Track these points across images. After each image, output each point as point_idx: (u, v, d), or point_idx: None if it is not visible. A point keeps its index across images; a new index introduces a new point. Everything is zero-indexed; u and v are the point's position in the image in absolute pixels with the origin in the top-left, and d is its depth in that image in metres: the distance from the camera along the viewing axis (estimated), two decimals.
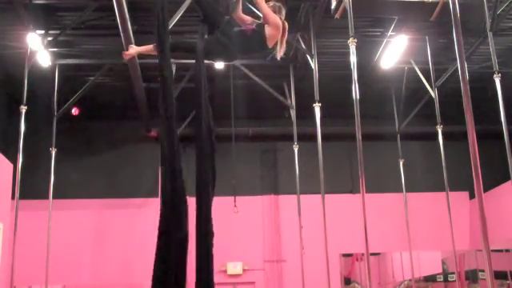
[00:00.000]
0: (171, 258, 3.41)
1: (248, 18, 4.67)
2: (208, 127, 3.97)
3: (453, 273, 11.97)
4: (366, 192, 6.34)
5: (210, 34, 4.34)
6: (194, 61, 4.30)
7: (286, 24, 4.69)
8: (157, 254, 3.45)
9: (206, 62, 4.39)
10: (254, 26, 4.53)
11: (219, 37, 4.32)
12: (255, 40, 4.52)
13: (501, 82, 8.99)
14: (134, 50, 5.00)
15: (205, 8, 4.39)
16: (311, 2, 10.19)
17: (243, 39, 4.47)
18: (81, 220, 13.04)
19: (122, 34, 8.93)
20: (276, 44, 4.65)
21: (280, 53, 4.72)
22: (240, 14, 4.65)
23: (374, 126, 13.00)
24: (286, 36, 4.72)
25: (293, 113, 11.72)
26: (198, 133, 3.95)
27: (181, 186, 3.61)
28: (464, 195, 13.53)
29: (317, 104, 9.63)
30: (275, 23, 4.51)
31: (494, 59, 9.17)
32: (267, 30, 4.51)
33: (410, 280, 12.60)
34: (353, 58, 6.86)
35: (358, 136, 6.51)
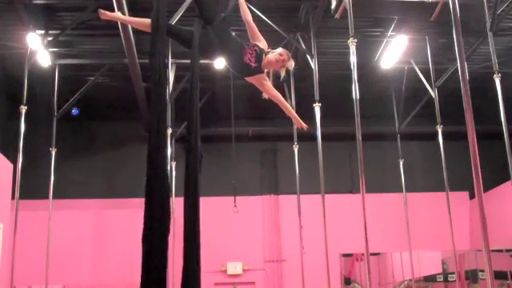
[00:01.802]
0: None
1: (261, 42, 4.53)
2: (196, 125, 3.88)
3: (453, 273, 11.97)
4: (366, 192, 6.35)
5: (203, 29, 4.28)
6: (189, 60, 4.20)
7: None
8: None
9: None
10: (255, 64, 4.36)
11: (209, 32, 4.26)
12: (244, 67, 4.38)
13: (501, 82, 8.99)
14: (118, 14, 4.70)
15: (202, 4, 4.35)
16: (311, 1, 10.19)
17: (236, 47, 4.39)
18: (81, 220, 13.03)
19: (122, 34, 8.94)
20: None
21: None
22: (256, 33, 4.53)
23: (374, 126, 13.00)
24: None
25: None
26: (190, 129, 3.87)
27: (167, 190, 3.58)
28: (464, 195, 13.53)
29: (317, 104, 9.63)
30: (267, 88, 4.45)
31: (494, 59, 9.17)
32: (259, 78, 4.41)
33: (410, 280, 12.60)
34: (353, 58, 6.87)
35: (358, 136, 6.52)
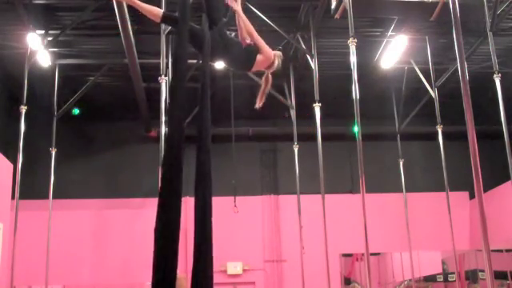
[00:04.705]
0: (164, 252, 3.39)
1: (246, 36, 4.62)
2: (209, 125, 3.91)
3: (453, 273, 11.97)
4: (366, 192, 6.35)
5: (210, 30, 4.32)
6: (194, 60, 4.25)
7: (270, 76, 4.70)
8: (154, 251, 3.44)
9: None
10: (251, 42, 4.53)
11: (215, 33, 4.31)
12: (245, 54, 4.51)
13: (501, 82, 9.00)
14: None
15: (210, 6, 4.37)
16: (311, 1, 10.19)
17: (237, 47, 4.46)
18: (81, 220, 13.04)
19: (122, 34, 8.93)
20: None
21: (259, 102, 4.73)
22: (242, 33, 4.61)
23: (374, 126, 13.00)
24: (268, 87, 4.73)
25: (293, 113, 11.72)
26: (203, 129, 3.88)
27: (179, 185, 3.58)
28: (464, 195, 13.53)
29: (317, 104, 9.64)
30: (268, 55, 4.55)
31: (494, 59, 9.18)
32: (259, 56, 4.53)
33: (410, 280, 12.60)
34: (353, 58, 6.88)
35: (358, 136, 6.52)
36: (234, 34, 4.68)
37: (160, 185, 3.55)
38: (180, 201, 3.52)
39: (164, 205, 3.44)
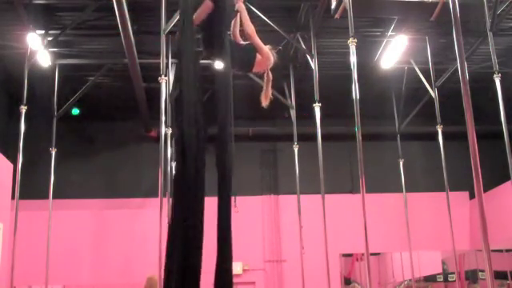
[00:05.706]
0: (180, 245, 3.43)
1: (239, 37, 4.64)
2: (231, 128, 3.89)
3: (453, 273, 11.98)
4: (366, 192, 6.35)
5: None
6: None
7: (270, 73, 4.70)
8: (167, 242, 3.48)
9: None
10: (247, 42, 4.53)
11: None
12: (246, 55, 4.51)
13: (501, 82, 9.00)
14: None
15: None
16: (311, 1, 10.19)
17: (236, 48, 4.47)
18: (81, 220, 13.04)
19: (122, 34, 8.93)
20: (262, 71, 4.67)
21: (265, 101, 4.71)
22: (236, 32, 4.63)
23: (374, 126, 13.00)
24: (270, 84, 4.72)
25: (293, 113, 11.72)
26: (225, 132, 3.87)
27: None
28: (464, 195, 13.53)
29: (317, 104, 9.64)
30: (267, 55, 4.54)
31: (494, 59, 9.18)
32: (258, 56, 4.53)
33: (410, 280, 12.60)
34: (353, 58, 6.88)
35: (358, 136, 6.52)
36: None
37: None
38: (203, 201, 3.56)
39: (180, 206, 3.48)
